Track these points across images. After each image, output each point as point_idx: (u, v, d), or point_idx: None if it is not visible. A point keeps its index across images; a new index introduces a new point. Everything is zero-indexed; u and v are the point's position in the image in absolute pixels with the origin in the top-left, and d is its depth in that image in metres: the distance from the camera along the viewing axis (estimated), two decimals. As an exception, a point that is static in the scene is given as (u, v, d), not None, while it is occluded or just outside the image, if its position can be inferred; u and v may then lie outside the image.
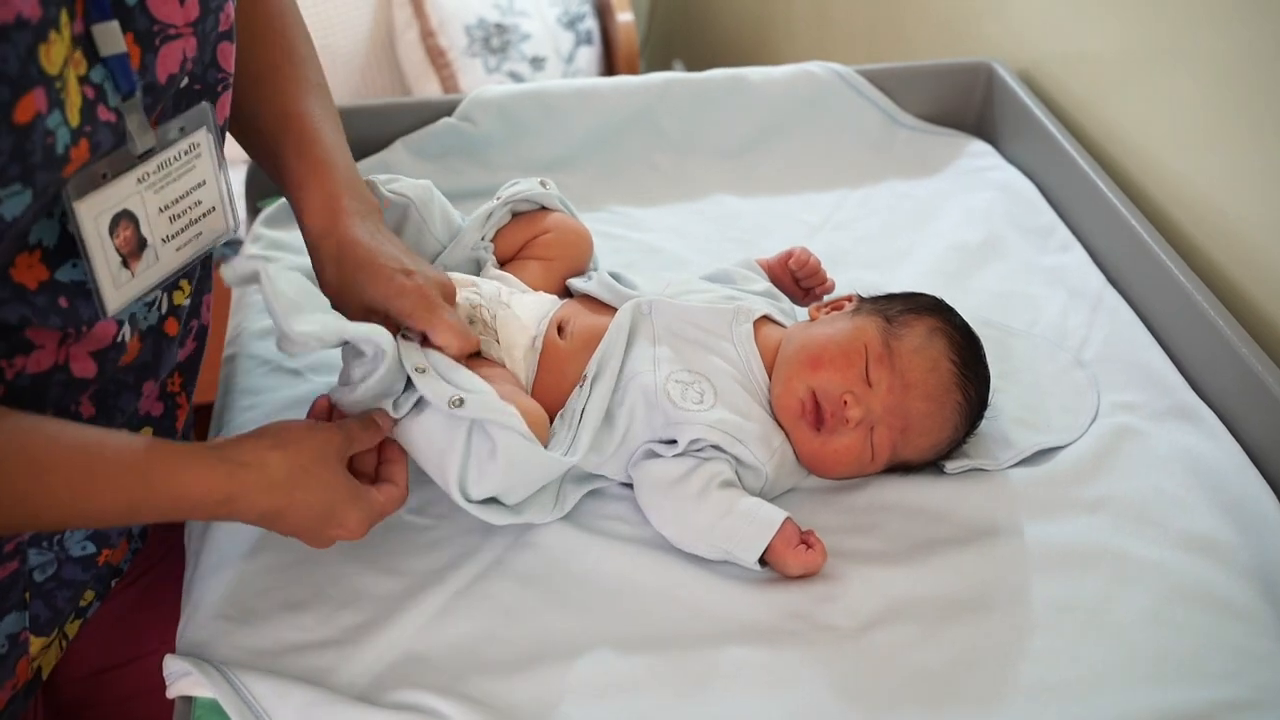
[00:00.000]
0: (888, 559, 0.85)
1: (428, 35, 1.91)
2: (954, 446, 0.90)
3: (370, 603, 0.80)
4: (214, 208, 0.76)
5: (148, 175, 0.69)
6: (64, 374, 0.73)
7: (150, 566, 0.97)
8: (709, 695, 0.76)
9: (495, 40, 2.00)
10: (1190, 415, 0.95)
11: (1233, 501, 0.88)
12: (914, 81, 1.31)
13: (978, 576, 0.83)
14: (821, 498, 0.90)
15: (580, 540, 0.84)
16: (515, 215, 0.97)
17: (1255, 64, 0.99)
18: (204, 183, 0.74)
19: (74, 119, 0.61)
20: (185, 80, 0.72)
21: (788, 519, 0.82)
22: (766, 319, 0.93)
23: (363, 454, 0.79)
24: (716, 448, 0.84)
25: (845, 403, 0.85)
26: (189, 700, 0.76)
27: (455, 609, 0.80)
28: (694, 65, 2.59)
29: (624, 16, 2.00)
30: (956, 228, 1.18)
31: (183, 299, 0.81)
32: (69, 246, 0.68)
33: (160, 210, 0.71)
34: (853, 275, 1.11)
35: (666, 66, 2.74)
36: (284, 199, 1.13)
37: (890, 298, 0.94)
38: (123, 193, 0.68)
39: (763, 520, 0.82)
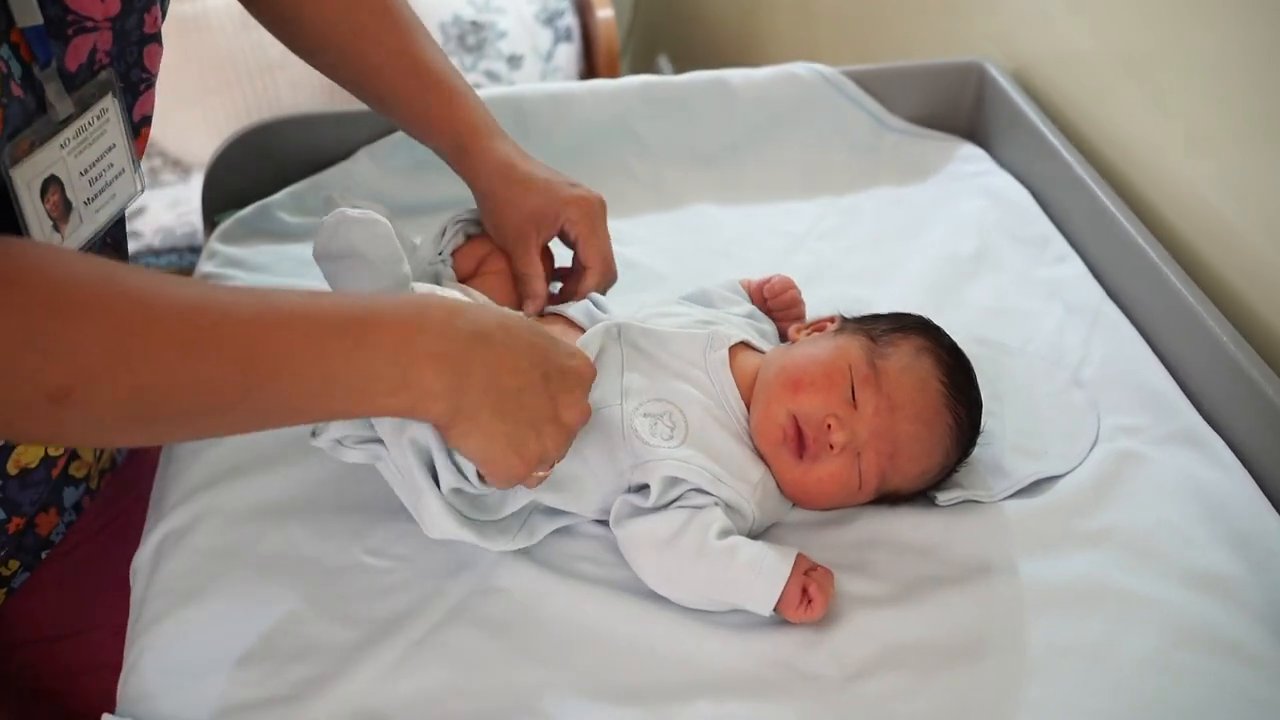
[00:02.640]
0: (876, 601, 0.81)
1: (403, 33, 1.87)
2: (945, 474, 0.86)
3: (322, 654, 0.76)
4: (124, 170, 0.79)
5: (68, 141, 0.72)
6: None
7: (87, 538, 0.95)
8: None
9: (471, 38, 1.96)
10: (1196, 440, 0.92)
11: (1242, 535, 0.85)
12: (902, 82, 1.29)
13: (970, 618, 0.80)
14: (806, 533, 0.86)
15: (546, 583, 0.80)
16: (470, 237, 0.95)
17: (1258, 61, 0.96)
18: (114, 146, 0.77)
19: None
20: (98, 74, 0.74)
21: (798, 557, 0.78)
22: (745, 345, 0.88)
23: None
24: (699, 490, 0.80)
25: (829, 426, 0.81)
26: None
27: (413, 660, 0.76)
28: (679, 61, 2.57)
29: (604, 13, 1.97)
30: (947, 238, 1.15)
31: None
32: None
33: (81, 174, 0.74)
34: (838, 289, 1.08)
35: (651, 62, 2.72)
36: (239, 214, 1.10)
37: (875, 317, 0.90)
38: (50, 159, 0.70)
39: (770, 571, 0.77)
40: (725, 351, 0.86)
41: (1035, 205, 1.18)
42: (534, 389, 0.70)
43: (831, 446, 0.81)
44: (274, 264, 1.07)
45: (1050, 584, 0.82)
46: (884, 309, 0.94)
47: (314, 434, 0.81)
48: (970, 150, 1.27)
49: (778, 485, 0.84)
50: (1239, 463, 0.89)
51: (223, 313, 0.61)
